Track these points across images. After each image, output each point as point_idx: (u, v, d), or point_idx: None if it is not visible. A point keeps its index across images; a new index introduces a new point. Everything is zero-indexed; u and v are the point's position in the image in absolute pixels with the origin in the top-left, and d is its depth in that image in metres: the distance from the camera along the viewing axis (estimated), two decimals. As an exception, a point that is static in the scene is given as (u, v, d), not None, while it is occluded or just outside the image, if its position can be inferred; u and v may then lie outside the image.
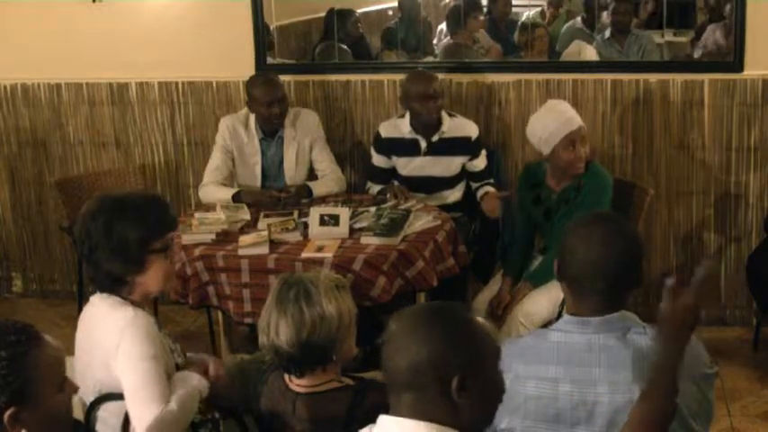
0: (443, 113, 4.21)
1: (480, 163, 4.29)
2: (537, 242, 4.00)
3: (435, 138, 4.20)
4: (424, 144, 4.22)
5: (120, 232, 2.47)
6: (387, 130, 4.31)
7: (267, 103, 4.17)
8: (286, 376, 2.45)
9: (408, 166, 4.28)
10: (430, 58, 4.79)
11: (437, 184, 4.27)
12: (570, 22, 4.74)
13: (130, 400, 2.41)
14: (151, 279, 2.53)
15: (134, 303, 2.53)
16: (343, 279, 2.60)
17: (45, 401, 1.79)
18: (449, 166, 4.25)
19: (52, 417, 1.82)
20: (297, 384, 2.43)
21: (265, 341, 2.43)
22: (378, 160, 4.34)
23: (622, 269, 2.11)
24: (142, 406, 2.38)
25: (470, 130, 4.25)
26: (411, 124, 4.21)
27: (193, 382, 2.49)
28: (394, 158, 4.30)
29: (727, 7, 4.30)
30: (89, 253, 2.52)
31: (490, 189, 4.25)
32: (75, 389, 1.90)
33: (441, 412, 1.68)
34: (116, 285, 2.54)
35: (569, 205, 3.67)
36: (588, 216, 2.35)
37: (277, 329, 2.38)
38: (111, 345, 2.44)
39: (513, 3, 4.82)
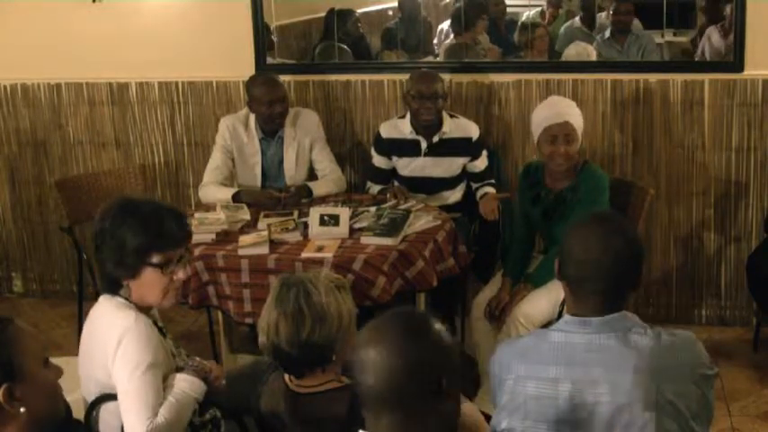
0: (445, 114, 4.20)
1: (481, 164, 4.29)
2: (537, 242, 4.00)
3: (436, 138, 4.20)
4: (424, 145, 4.22)
5: (120, 236, 2.47)
6: (387, 130, 4.31)
7: (268, 103, 4.17)
8: (286, 377, 2.45)
9: (409, 167, 4.28)
10: (430, 58, 4.79)
11: (437, 184, 4.27)
12: (569, 22, 4.74)
13: (123, 410, 2.42)
14: (145, 289, 2.52)
15: (138, 307, 2.53)
16: (344, 279, 2.59)
17: (34, 376, 1.85)
18: (449, 166, 4.25)
19: (43, 391, 1.88)
20: (297, 385, 2.43)
21: (265, 341, 2.42)
22: (378, 161, 4.34)
23: (622, 269, 2.11)
24: (133, 417, 2.39)
25: (471, 130, 4.24)
26: (412, 124, 4.21)
27: (193, 387, 2.49)
28: (394, 159, 4.30)
29: (728, 8, 4.30)
30: (96, 251, 2.53)
31: (490, 190, 4.25)
32: (60, 371, 1.95)
33: (427, 423, 1.68)
34: (113, 286, 2.54)
35: (566, 205, 3.67)
36: (588, 216, 2.35)
37: (277, 329, 2.38)
38: (110, 347, 2.45)
39: (514, 3, 4.82)
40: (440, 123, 4.19)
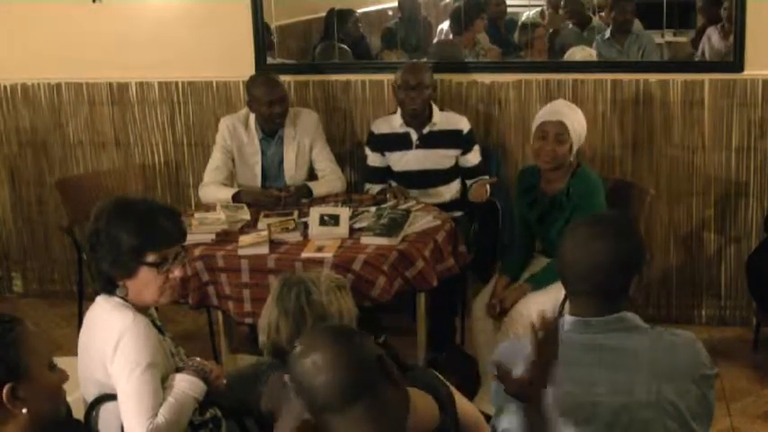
0: (434, 107, 4.23)
1: (473, 158, 4.30)
2: (537, 244, 4.00)
3: (426, 130, 4.23)
4: (415, 137, 4.25)
5: (115, 236, 2.47)
6: (379, 126, 4.34)
7: (268, 103, 4.17)
8: (286, 377, 2.45)
9: (401, 161, 4.29)
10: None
11: (431, 178, 4.27)
12: (563, 23, 4.74)
13: (123, 410, 2.42)
14: (141, 288, 2.52)
15: (135, 307, 2.53)
16: (344, 279, 2.59)
17: (38, 377, 1.86)
18: (441, 159, 4.26)
19: (47, 394, 1.89)
20: (297, 384, 2.43)
21: (265, 340, 2.42)
22: (373, 159, 4.36)
23: (621, 270, 2.11)
24: (133, 419, 2.39)
25: (461, 123, 4.27)
26: (402, 117, 4.24)
27: (193, 387, 2.49)
28: (387, 154, 4.32)
29: (727, 8, 4.30)
30: (91, 250, 2.53)
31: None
32: (66, 375, 1.96)
33: (387, 405, 1.76)
34: (109, 286, 2.54)
35: (561, 209, 3.67)
36: (587, 218, 2.36)
37: (278, 328, 2.38)
38: (108, 348, 2.45)
39: (514, 3, 4.82)
40: (429, 115, 4.21)
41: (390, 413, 1.77)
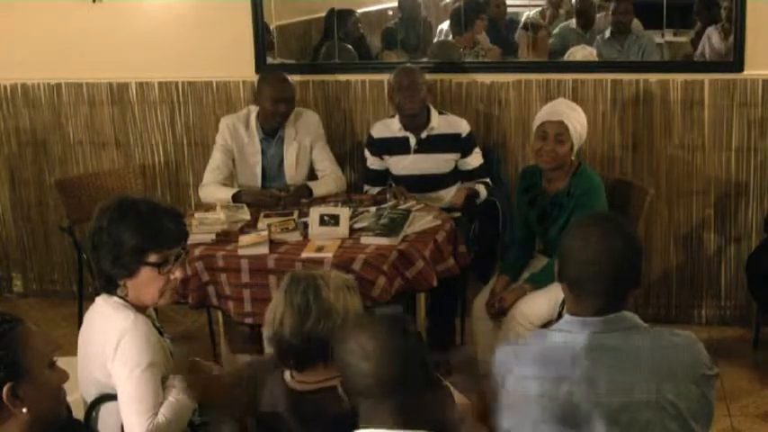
0: (433, 110, 4.23)
1: (473, 161, 4.29)
2: (538, 243, 4.00)
3: (424, 134, 4.23)
4: (413, 141, 4.24)
5: (118, 235, 2.47)
6: (378, 130, 4.34)
7: (274, 101, 4.17)
8: (286, 374, 2.45)
9: (400, 165, 4.29)
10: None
11: (431, 181, 4.27)
12: (565, 23, 4.75)
13: (123, 409, 2.42)
14: (142, 288, 2.51)
15: (136, 307, 2.53)
16: (353, 280, 2.58)
17: (38, 376, 1.87)
18: (440, 162, 4.26)
19: (46, 393, 1.90)
20: (297, 381, 2.43)
21: (270, 332, 2.42)
22: (372, 162, 4.36)
23: (621, 269, 2.11)
24: (134, 417, 2.40)
25: (461, 126, 4.26)
26: (401, 121, 4.24)
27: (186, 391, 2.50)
28: (386, 158, 4.31)
29: (727, 8, 4.30)
30: (92, 249, 2.53)
31: (481, 188, 4.27)
32: (66, 375, 1.96)
33: (424, 405, 1.82)
34: (110, 286, 2.54)
35: (561, 209, 3.67)
36: (587, 217, 2.36)
37: (282, 319, 2.38)
38: (109, 348, 2.45)
39: (515, 3, 4.82)
40: (428, 119, 4.20)
41: (422, 413, 1.82)
